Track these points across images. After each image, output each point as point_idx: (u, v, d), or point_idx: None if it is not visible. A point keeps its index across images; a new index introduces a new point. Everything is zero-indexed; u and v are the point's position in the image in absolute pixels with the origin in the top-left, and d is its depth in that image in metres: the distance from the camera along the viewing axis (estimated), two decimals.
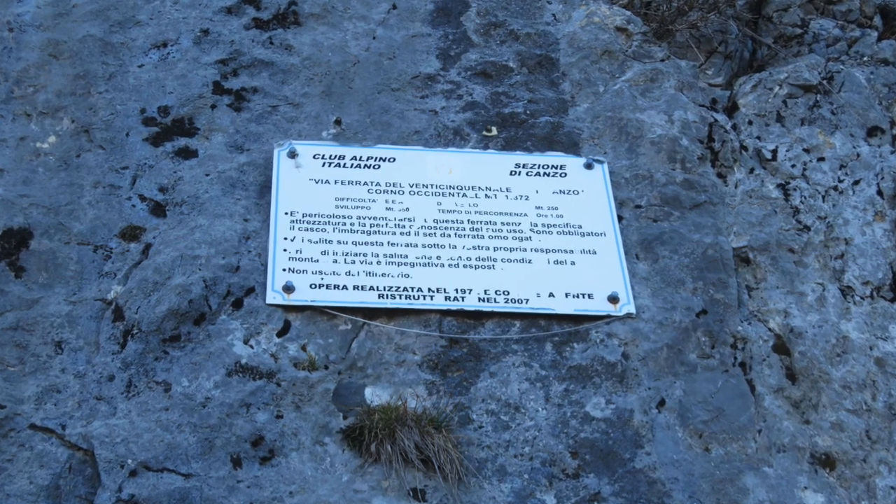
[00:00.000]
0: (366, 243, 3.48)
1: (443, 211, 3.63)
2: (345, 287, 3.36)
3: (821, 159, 4.07)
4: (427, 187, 3.69)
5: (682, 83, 4.19)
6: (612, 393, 3.32)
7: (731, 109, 4.25)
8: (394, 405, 3.13)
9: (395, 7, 4.26)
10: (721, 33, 4.52)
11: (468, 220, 3.61)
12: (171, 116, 3.76)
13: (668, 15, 4.45)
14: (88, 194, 3.51)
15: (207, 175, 3.61)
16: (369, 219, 3.55)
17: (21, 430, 3.00)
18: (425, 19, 4.26)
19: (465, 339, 3.37)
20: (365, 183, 3.65)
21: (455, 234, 3.57)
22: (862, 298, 3.73)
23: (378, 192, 3.64)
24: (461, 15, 4.28)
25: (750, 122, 4.16)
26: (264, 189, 3.60)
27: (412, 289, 3.40)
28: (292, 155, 3.66)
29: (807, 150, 4.08)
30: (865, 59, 4.54)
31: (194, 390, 3.10)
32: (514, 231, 3.61)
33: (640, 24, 4.37)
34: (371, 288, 3.37)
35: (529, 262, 3.54)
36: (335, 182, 3.64)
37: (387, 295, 3.37)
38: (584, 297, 3.49)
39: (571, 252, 3.59)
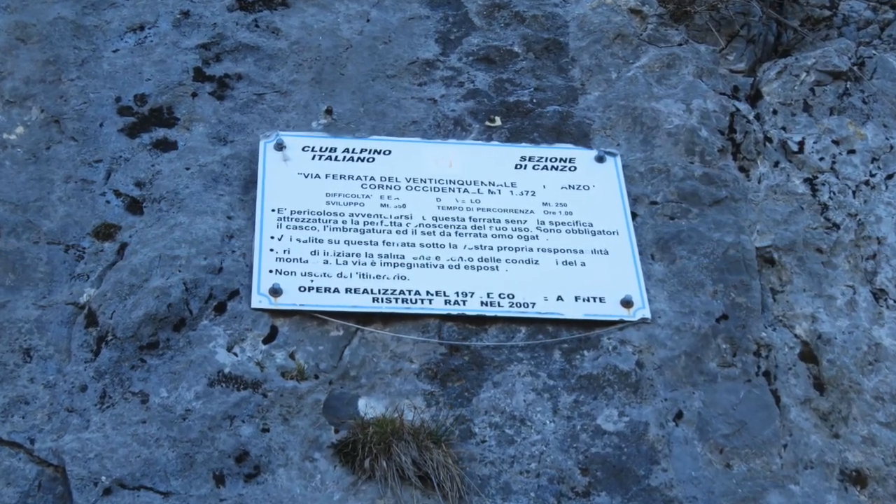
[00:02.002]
0: (359, 243, 3.48)
1: (442, 208, 3.63)
2: (336, 290, 3.37)
3: (851, 152, 4.07)
4: (425, 182, 3.69)
5: (702, 69, 4.19)
6: (625, 404, 3.33)
7: (755, 98, 4.25)
8: (389, 418, 3.13)
9: None
10: (743, 15, 4.52)
11: (470, 218, 3.62)
12: (149, 105, 3.76)
13: None
14: (59, 190, 3.51)
15: (188, 169, 3.61)
16: (363, 216, 3.55)
17: None
18: (423, 0, 4.26)
19: (466, 347, 3.38)
20: (358, 177, 3.65)
21: (455, 232, 3.57)
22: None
23: (372, 187, 3.64)
24: None
25: (774, 112, 4.16)
26: (249, 184, 3.60)
27: (409, 292, 3.40)
28: (280, 147, 3.66)
29: (836, 142, 4.08)
30: None
31: (173, 401, 3.10)
32: (520, 229, 3.61)
33: (655, 6, 4.37)
34: (365, 291, 3.38)
35: (536, 262, 3.55)
36: (326, 176, 3.64)
37: (382, 298, 3.37)
38: (595, 300, 3.49)
39: (581, 252, 3.60)
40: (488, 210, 3.65)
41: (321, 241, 3.47)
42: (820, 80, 4.23)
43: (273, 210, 3.50)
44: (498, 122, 3.95)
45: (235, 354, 3.22)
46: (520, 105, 3.99)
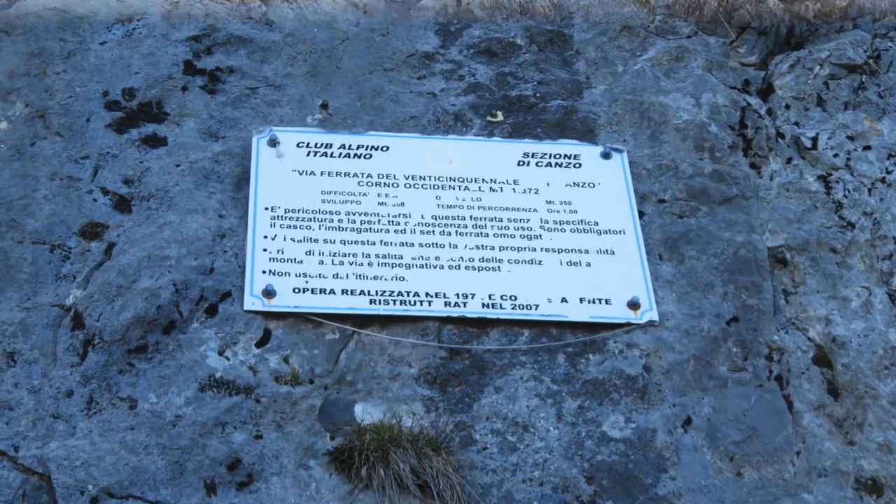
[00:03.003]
0: (356, 242, 3.48)
1: (442, 206, 3.63)
2: (332, 291, 3.36)
3: (867, 148, 4.07)
4: (424, 179, 3.69)
5: (711, 62, 4.19)
6: (632, 410, 3.33)
7: (766, 92, 4.25)
8: (387, 424, 3.13)
9: None
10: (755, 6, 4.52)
11: (470, 217, 3.61)
12: (137, 100, 3.76)
13: None
14: (44, 187, 3.51)
15: (178, 166, 3.61)
16: (360, 215, 3.55)
17: None
18: None
19: (467, 350, 3.37)
20: (355, 174, 3.65)
21: (456, 231, 3.57)
22: None
23: (370, 184, 3.64)
24: None
25: (787, 107, 4.16)
26: (242, 181, 3.60)
27: (408, 293, 3.40)
28: (273, 143, 3.66)
29: (851, 138, 4.08)
30: None
31: (163, 407, 3.10)
32: (523, 229, 3.61)
33: None
34: (362, 292, 3.37)
35: (539, 263, 3.54)
36: (321, 173, 3.64)
37: (379, 300, 3.37)
38: (600, 302, 3.49)
39: (587, 252, 3.59)
40: (490, 209, 3.64)
41: (316, 240, 3.46)
42: (834, 74, 4.23)
43: (266, 208, 3.50)
44: (500, 117, 3.95)
45: (227, 358, 3.22)
46: (522, 99, 3.99)
